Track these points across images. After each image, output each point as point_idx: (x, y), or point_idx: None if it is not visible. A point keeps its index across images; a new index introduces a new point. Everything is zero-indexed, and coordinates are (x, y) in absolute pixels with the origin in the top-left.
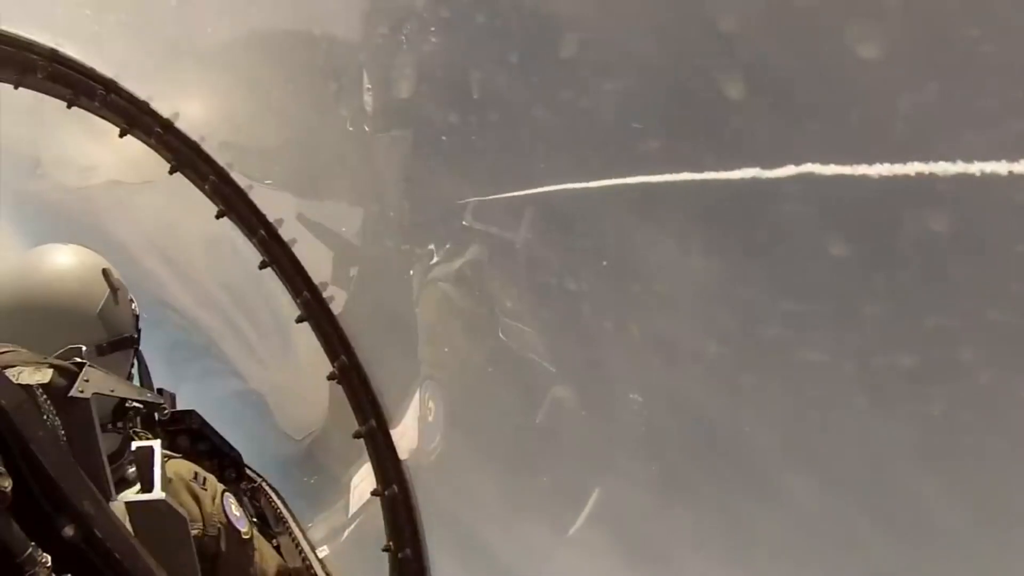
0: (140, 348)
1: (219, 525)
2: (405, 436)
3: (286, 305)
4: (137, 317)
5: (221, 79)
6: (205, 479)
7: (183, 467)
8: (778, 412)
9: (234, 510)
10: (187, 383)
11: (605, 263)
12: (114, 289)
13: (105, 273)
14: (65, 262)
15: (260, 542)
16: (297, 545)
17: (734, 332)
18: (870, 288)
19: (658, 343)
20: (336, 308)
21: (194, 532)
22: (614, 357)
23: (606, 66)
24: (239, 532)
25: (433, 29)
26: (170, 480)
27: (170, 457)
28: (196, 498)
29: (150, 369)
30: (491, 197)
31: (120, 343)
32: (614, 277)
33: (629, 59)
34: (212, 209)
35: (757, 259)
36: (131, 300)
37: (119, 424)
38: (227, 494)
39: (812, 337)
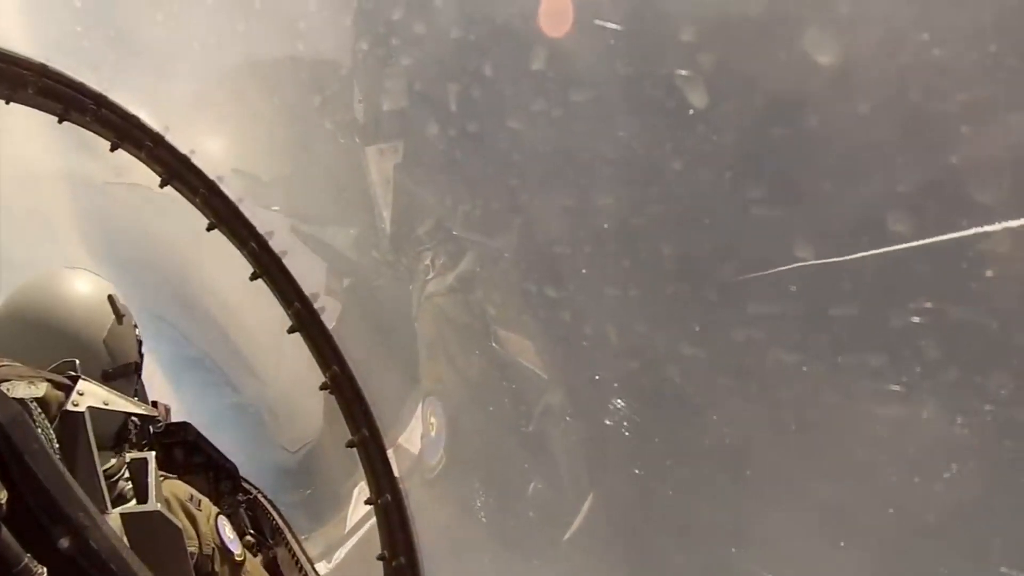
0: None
1: (213, 545)
2: (398, 445)
3: (279, 316)
4: (140, 342)
5: (210, 93)
6: (200, 501)
7: (179, 488)
8: None
9: (228, 532)
10: (182, 395)
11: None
12: (119, 315)
13: (111, 299)
14: (73, 288)
15: (252, 564)
16: (294, 557)
17: None
18: None
19: None
20: (328, 319)
21: (190, 549)
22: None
23: (579, 79)
24: (232, 554)
25: (420, 43)
26: (166, 500)
27: (166, 478)
28: (192, 518)
29: (145, 382)
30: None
31: (124, 369)
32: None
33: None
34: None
35: None
36: (135, 325)
37: (119, 445)
38: (221, 517)
39: None
